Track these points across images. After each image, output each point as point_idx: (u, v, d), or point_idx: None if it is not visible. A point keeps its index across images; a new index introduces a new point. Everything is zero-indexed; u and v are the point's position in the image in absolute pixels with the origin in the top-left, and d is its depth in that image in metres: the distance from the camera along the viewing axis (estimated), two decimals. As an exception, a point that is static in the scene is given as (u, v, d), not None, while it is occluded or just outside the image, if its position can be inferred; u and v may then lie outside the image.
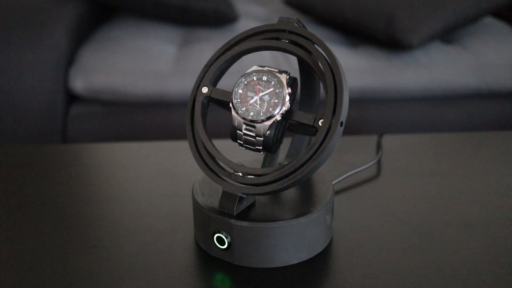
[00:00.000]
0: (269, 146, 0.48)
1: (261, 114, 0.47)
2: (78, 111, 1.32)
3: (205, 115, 0.51)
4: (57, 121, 1.29)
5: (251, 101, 0.48)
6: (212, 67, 0.51)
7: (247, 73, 0.49)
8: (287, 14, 1.70)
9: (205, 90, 0.50)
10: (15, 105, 1.26)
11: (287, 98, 0.47)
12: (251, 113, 0.47)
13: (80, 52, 1.38)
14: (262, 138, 0.48)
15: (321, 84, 0.51)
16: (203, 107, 0.51)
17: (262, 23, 1.64)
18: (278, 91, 0.48)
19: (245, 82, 0.48)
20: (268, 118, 0.47)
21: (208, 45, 1.42)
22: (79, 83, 1.30)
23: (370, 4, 1.44)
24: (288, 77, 0.48)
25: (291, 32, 0.49)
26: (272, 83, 0.48)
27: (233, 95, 0.48)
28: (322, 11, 1.55)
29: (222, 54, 0.51)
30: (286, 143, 0.56)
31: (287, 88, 0.47)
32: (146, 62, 1.35)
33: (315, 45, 0.48)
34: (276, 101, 0.47)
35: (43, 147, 0.75)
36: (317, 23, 1.62)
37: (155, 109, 1.31)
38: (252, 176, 0.48)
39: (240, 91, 0.48)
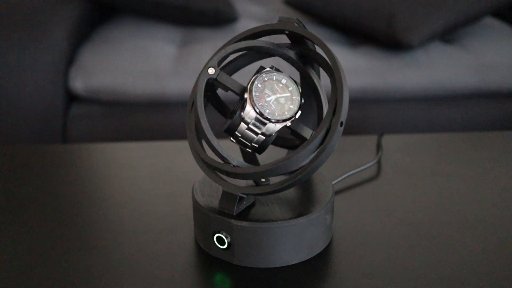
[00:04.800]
0: (264, 147, 0.48)
1: (276, 114, 0.47)
2: (78, 111, 1.32)
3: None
4: (57, 121, 1.29)
5: (268, 99, 0.47)
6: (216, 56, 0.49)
7: (267, 70, 0.48)
8: (287, 14, 1.70)
9: (211, 71, 0.48)
10: (15, 105, 1.26)
11: (298, 107, 0.47)
12: (267, 111, 0.47)
13: (80, 52, 1.38)
14: (264, 138, 0.47)
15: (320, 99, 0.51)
16: (207, 87, 0.49)
17: (262, 23, 1.64)
18: (295, 98, 0.48)
19: (265, 79, 0.48)
20: (281, 121, 0.47)
21: (208, 45, 1.42)
22: (79, 83, 1.30)
23: (370, 4, 1.44)
24: (300, 88, 0.48)
25: (291, 32, 0.49)
26: (290, 89, 0.48)
27: (253, 88, 0.47)
28: (322, 11, 1.55)
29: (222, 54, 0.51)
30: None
31: (301, 99, 0.48)
32: (146, 62, 1.35)
33: (315, 45, 0.48)
34: (292, 106, 0.47)
35: (43, 147, 0.75)
36: (317, 23, 1.61)
37: (155, 109, 1.31)
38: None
39: (259, 85, 0.48)
